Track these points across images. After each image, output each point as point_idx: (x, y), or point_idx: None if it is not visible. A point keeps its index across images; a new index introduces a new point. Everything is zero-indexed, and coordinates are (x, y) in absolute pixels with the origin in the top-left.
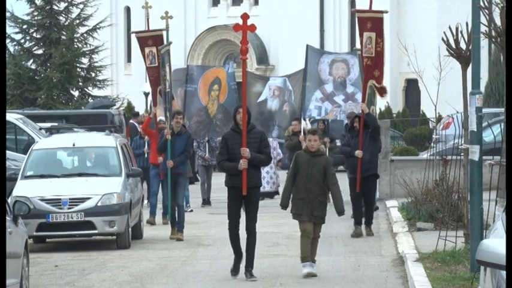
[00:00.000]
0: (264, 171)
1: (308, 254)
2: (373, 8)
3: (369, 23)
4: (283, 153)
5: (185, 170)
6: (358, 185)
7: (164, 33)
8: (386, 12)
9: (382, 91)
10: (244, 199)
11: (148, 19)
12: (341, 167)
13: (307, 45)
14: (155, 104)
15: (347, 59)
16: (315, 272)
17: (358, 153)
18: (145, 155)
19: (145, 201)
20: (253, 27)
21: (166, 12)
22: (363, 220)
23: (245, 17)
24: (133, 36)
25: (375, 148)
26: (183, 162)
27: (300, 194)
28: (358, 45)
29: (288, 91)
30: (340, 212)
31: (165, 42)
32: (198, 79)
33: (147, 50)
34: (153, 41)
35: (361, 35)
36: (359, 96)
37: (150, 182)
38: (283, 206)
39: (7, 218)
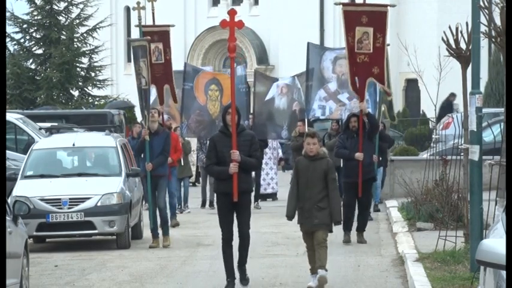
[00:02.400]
0: (264, 172)
1: (313, 264)
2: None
3: (364, 17)
4: (286, 153)
5: (165, 171)
6: (360, 190)
7: (171, 29)
8: (394, 6)
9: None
10: (235, 205)
11: (153, 13)
12: None
13: (308, 43)
14: (161, 102)
15: None
16: (324, 280)
17: (359, 155)
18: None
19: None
20: (240, 24)
21: (138, 3)
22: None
23: (232, 12)
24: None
25: (372, 150)
26: (162, 164)
27: (300, 203)
28: (342, 42)
29: (296, 89)
30: (337, 221)
31: (166, 37)
32: (194, 78)
33: (152, 45)
34: (159, 37)
35: (350, 30)
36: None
37: None
38: (288, 216)
39: (7, 218)
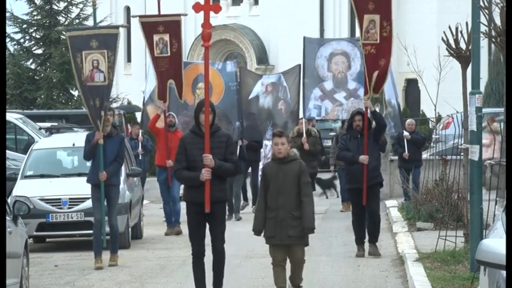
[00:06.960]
0: (260, 163)
1: (282, 285)
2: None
3: (371, 4)
4: None
5: (118, 180)
6: (365, 197)
7: (182, 18)
8: None
9: (378, 88)
10: (208, 216)
11: (159, 2)
12: None
13: (304, 38)
14: (165, 99)
15: (347, 51)
16: None
17: (364, 158)
18: (140, 157)
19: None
20: (217, 7)
21: None
22: (367, 238)
23: None
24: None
25: (378, 152)
26: (116, 172)
27: (271, 213)
28: (357, 34)
29: (282, 87)
30: (309, 228)
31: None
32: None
33: (156, 37)
34: (165, 28)
35: (360, 18)
36: (362, 92)
37: (160, 189)
38: (256, 231)
39: (7, 217)
